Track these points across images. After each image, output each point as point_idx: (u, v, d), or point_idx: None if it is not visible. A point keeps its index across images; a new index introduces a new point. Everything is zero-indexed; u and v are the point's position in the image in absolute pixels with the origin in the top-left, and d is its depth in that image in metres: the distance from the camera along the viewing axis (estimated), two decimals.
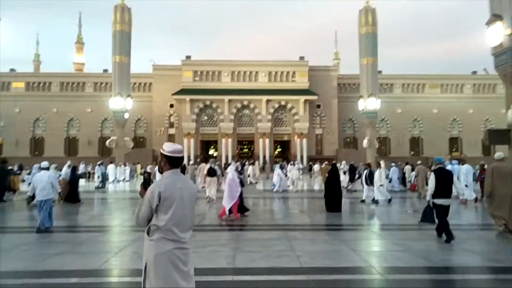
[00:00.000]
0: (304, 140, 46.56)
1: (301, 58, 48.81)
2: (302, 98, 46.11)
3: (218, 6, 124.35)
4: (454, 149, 52.59)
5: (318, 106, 49.52)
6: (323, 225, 10.07)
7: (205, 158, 43.85)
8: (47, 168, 9.25)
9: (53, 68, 79.92)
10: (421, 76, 53.57)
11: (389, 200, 14.23)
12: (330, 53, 58.64)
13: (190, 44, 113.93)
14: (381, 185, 14.13)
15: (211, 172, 14.18)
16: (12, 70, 54.08)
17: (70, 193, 14.27)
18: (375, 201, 14.10)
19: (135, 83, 52.00)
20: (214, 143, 49.71)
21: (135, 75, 54.53)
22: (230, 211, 10.46)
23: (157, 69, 49.99)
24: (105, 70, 50.63)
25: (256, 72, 47.94)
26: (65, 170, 15.14)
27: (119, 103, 32.47)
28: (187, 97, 45.89)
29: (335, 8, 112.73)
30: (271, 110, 46.88)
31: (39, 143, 51.79)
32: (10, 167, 16.55)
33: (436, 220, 7.88)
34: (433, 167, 11.11)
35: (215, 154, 49.07)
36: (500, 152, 8.65)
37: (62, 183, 13.88)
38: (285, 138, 48.99)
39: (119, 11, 32.32)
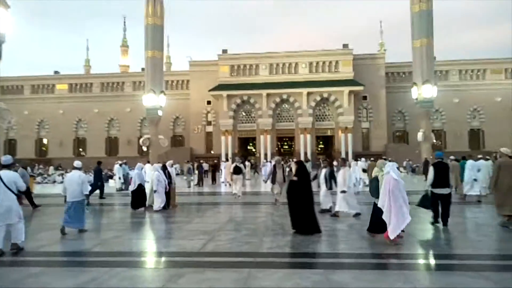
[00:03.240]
0: (349, 135, 43.08)
1: (345, 46, 45.21)
2: (347, 89, 42.62)
3: None
4: None
5: (364, 98, 45.76)
6: (382, 255, 6.35)
7: (244, 156, 41.94)
8: (79, 168, 8.97)
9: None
10: (482, 61, 47.93)
11: (356, 214, 10.07)
12: (374, 45, 54.07)
13: (227, 40, 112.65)
14: (343, 191, 9.99)
15: (237, 170, 13.77)
16: (56, 72, 55.52)
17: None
18: (332, 213, 10.27)
19: (172, 81, 51.46)
20: (253, 140, 47.59)
21: (172, 73, 54.14)
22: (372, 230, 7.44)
23: (194, 65, 48.77)
24: (143, 69, 50.22)
25: (296, 64, 45.08)
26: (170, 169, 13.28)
27: (152, 100, 31.17)
28: (224, 93, 44.09)
29: None
30: (313, 104, 43.84)
31: (82, 143, 52.57)
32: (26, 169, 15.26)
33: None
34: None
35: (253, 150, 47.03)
36: (505, 148, 9.31)
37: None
38: (328, 133, 45.75)
39: (151, 3, 31.02)
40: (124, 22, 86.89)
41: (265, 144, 43.56)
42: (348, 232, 8.16)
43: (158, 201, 11.89)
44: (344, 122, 42.92)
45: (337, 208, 10.14)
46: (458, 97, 46.48)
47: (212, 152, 46.70)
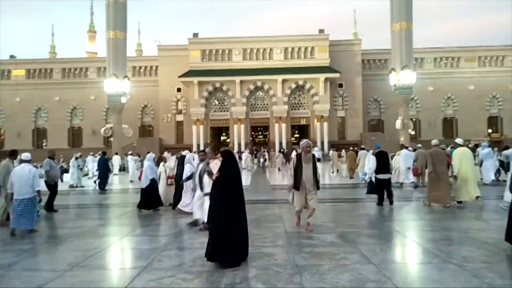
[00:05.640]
0: (325, 124, 41.84)
1: (321, 31, 43.70)
2: (323, 76, 41.18)
3: None
4: (493, 130, 47.00)
5: (340, 86, 44.55)
6: None
7: (217, 146, 39.97)
8: (29, 161, 7.99)
9: None
10: (456, 49, 47.71)
11: (193, 223, 7.79)
12: (349, 33, 52.16)
13: (199, 24, 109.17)
14: (207, 194, 7.14)
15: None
16: (12, 57, 51.28)
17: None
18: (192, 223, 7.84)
19: (140, 67, 48.57)
20: (226, 130, 45.59)
21: (139, 58, 51.16)
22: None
23: (163, 49, 45.95)
24: None
25: (271, 49, 43.23)
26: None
27: (115, 86, 28.62)
28: (195, 79, 41.73)
29: None
30: (288, 91, 42.23)
31: (42, 134, 48.98)
32: None
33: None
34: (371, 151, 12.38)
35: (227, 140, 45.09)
36: (435, 139, 10.58)
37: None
38: (304, 122, 44.35)
39: None
40: (92, 7, 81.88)
41: (239, 133, 41.72)
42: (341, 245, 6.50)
43: (185, 202, 9.48)
44: (320, 110, 41.61)
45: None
46: (433, 85, 46.08)
47: (183, 142, 44.42)
